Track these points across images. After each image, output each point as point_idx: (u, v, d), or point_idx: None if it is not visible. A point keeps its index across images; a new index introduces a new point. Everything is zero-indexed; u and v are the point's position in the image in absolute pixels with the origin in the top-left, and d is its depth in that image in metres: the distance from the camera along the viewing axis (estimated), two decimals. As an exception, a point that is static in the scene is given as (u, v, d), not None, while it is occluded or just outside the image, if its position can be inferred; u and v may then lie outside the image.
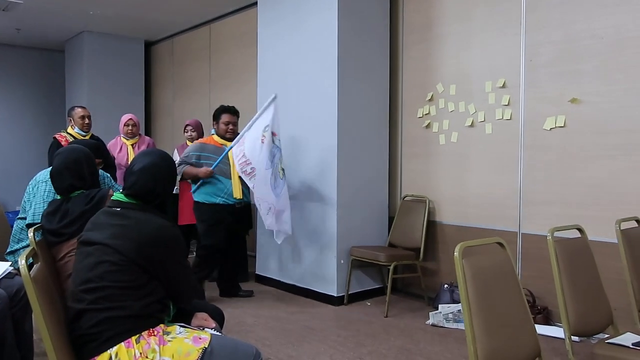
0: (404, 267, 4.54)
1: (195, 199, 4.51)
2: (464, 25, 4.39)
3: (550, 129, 3.86)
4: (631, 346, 2.20)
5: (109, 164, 4.41)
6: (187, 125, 5.49)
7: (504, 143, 4.14)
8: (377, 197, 4.81)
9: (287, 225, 4.38)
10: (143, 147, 5.20)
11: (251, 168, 4.25)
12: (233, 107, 4.59)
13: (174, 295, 2.03)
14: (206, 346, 1.87)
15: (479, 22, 4.29)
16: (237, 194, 4.44)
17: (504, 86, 4.12)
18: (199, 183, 4.46)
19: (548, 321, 3.83)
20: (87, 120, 4.75)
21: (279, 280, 5.01)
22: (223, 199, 4.43)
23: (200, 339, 1.90)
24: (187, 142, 5.45)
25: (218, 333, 2.08)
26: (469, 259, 1.98)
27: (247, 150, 4.26)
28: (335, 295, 4.51)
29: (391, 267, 4.23)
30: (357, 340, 3.65)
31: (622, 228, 2.72)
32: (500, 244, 2.16)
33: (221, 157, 4.40)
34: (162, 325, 1.92)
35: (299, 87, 4.77)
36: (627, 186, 3.49)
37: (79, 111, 4.76)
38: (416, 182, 4.77)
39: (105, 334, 1.81)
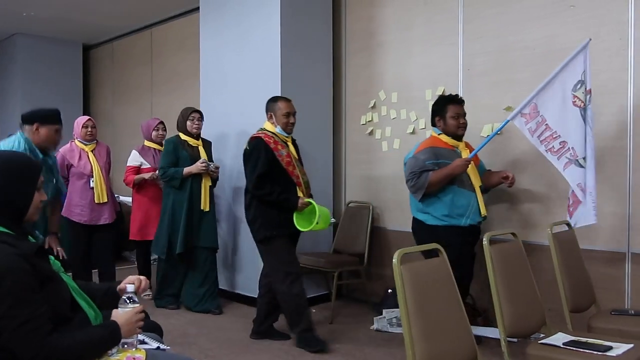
0: (348, 273, 4.57)
1: (427, 221, 3.47)
2: (405, 34, 4.48)
3: (487, 135, 3.98)
4: (562, 345, 2.28)
5: None
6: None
7: (444, 150, 4.23)
8: (322, 203, 4.71)
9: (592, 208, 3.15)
10: (103, 153, 4.65)
11: (560, 143, 3.10)
12: (457, 95, 3.65)
13: None
14: None
15: (418, 32, 4.39)
16: (484, 210, 3.45)
17: (443, 94, 4.22)
18: (424, 198, 3.46)
19: (488, 323, 3.93)
20: (292, 120, 3.68)
21: (223, 289, 4.93)
22: (470, 220, 3.40)
23: (134, 359, 1.81)
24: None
25: (156, 343, 2.02)
26: (408, 265, 2.02)
27: (550, 120, 3.12)
28: (280, 303, 4.47)
29: (335, 274, 4.25)
30: (302, 348, 3.63)
31: (553, 231, 2.84)
32: (438, 250, 2.20)
33: (487, 140, 3.45)
34: None
35: (242, 93, 4.73)
36: (560, 191, 3.63)
37: (282, 106, 3.66)
38: (360, 188, 4.82)
39: None
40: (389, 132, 4.58)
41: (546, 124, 3.14)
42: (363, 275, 4.53)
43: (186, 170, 4.33)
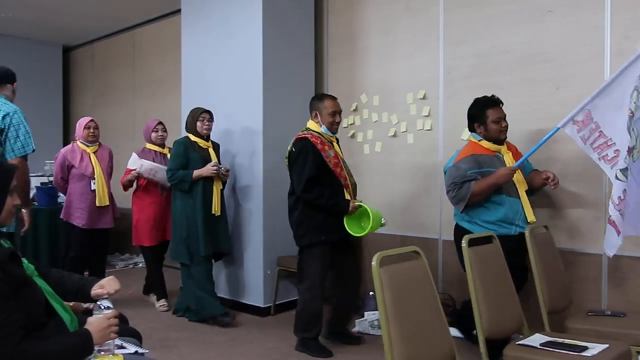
0: (330, 275, 4.56)
1: (474, 231, 3.19)
2: (387, 38, 4.50)
3: (467, 139, 4.01)
4: (538, 346, 2.31)
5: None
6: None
7: (425, 152, 4.27)
8: (304, 206, 4.81)
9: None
10: (105, 155, 4.63)
11: (615, 151, 2.91)
12: (494, 96, 3.38)
13: None
14: None
15: (400, 36, 4.42)
16: (531, 215, 3.22)
17: (424, 98, 4.26)
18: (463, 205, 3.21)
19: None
20: (338, 119, 3.54)
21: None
22: (519, 228, 3.16)
23: None
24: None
25: (134, 348, 2.01)
26: (387, 267, 2.03)
27: (605, 126, 2.95)
28: (262, 306, 4.46)
29: (317, 276, 4.24)
30: (283, 351, 3.63)
31: (532, 234, 2.87)
32: (417, 252, 2.22)
33: (543, 141, 3.16)
34: None
35: (225, 97, 4.71)
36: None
37: (329, 104, 3.50)
38: (342, 191, 4.82)
39: None
40: (371, 135, 4.60)
41: (600, 131, 2.97)
42: (345, 277, 4.53)
43: (196, 173, 4.13)
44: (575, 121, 3.01)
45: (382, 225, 3.43)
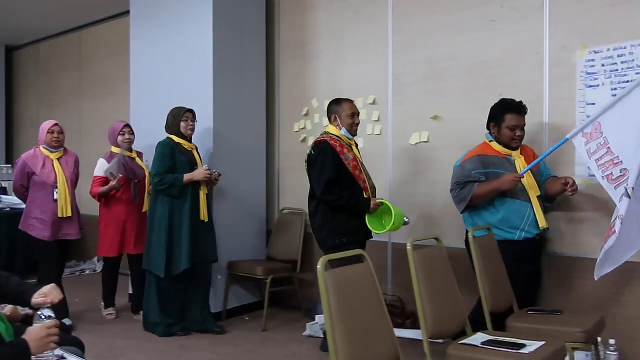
0: (282, 279, 4.58)
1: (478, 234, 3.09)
2: (337, 43, 4.56)
3: (416, 143, 4.11)
4: (480, 345, 2.39)
5: None
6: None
7: (375, 157, 4.33)
8: (255, 210, 4.81)
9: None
10: (70, 162, 4.26)
11: (621, 170, 2.77)
12: (521, 102, 3.27)
13: None
14: None
15: (350, 41, 4.48)
16: (542, 221, 3.18)
17: (374, 103, 4.33)
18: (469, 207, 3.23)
19: (416, 325, 4.04)
20: (356, 120, 3.55)
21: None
22: (525, 233, 3.16)
23: None
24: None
25: (75, 358, 1.96)
26: (332, 271, 2.06)
27: (613, 143, 2.81)
28: (212, 311, 4.42)
29: (268, 281, 4.25)
30: (234, 357, 3.61)
31: (475, 236, 2.96)
32: (362, 256, 2.25)
33: (550, 151, 3.15)
34: None
35: (174, 100, 4.62)
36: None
37: (347, 107, 3.51)
38: (293, 195, 4.84)
39: None
40: (322, 140, 4.63)
41: (608, 147, 2.84)
42: (296, 281, 4.55)
43: (187, 177, 3.91)
44: (584, 133, 2.94)
45: (405, 223, 3.43)
